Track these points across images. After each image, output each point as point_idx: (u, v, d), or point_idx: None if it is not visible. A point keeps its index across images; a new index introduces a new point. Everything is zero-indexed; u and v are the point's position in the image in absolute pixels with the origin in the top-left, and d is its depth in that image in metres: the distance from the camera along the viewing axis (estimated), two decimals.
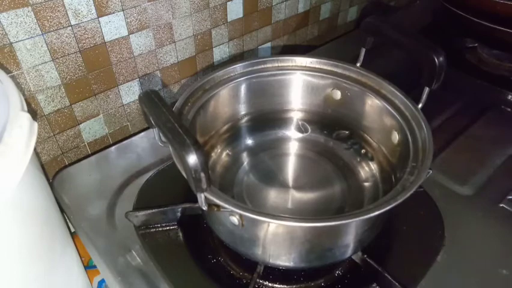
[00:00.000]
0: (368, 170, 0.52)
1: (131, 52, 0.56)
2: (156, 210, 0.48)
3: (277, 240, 0.39)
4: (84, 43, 0.50)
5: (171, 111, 0.35)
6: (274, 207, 0.49)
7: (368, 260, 0.43)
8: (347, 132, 0.55)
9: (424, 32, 0.83)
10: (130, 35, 0.54)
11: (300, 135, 0.58)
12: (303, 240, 0.39)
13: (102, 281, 0.58)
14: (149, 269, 0.45)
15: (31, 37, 0.46)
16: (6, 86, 0.37)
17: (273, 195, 0.50)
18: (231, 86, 0.51)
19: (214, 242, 0.47)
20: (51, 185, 0.54)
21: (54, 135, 0.54)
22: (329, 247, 0.41)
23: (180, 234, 0.48)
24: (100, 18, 0.50)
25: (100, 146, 0.61)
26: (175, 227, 0.49)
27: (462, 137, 0.62)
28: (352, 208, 0.49)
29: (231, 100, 0.52)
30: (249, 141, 0.56)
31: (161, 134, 0.39)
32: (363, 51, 0.52)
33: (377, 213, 0.34)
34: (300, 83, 0.54)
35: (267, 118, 0.56)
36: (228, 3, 0.63)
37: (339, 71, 0.52)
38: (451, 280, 0.44)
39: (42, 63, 0.48)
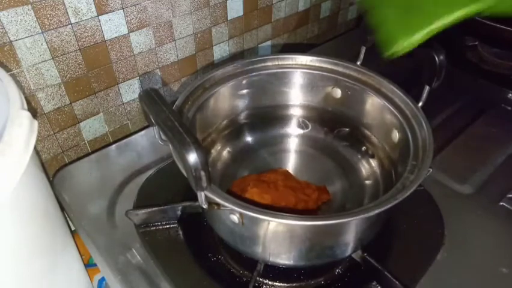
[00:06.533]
0: (368, 168, 0.52)
1: (131, 50, 0.56)
2: (156, 208, 0.48)
3: (277, 238, 0.39)
4: (84, 41, 0.50)
5: (171, 109, 0.35)
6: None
7: (368, 259, 0.43)
8: (347, 129, 0.55)
9: None
10: (130, 33, 0.54)
11: (300, 131, 0.58)
12: (303, 239, 0.39)
13: (102, 279, 0.58)
14: (149, 268, 0.45)
15: (31, 35, 0.46)
16: (6, 84, 0.36)
17: None
18: (231, 84, 0.51)
19: (214, 240, 0.47)
20: (51, 183, 0.54)
21: (54, 133, 0.54)
22: (329, 245, 0.41)
23: (180, 232, 0.48)
24: (100, 17, 0.50)
25: (100, 145, 0.61)
26: (175, 225, 0.49)
27: (462, 135, 0.62)
28: (352, 206, 0.49)
29: (231, 98, 0.52)
30: (250, 139, 0.56)
31: (161, 133, 0.39)
32: (363, 49, 0.52)
33: (377, 211, 0.34)
34: (300, 81, 0.54)
35: (268, 116, 0.56)
36: (228, 1, 0.63)
37: (340, 69, 0.52)
38: (450, 278, 0.44)
39: (42, 62, 0.48)
